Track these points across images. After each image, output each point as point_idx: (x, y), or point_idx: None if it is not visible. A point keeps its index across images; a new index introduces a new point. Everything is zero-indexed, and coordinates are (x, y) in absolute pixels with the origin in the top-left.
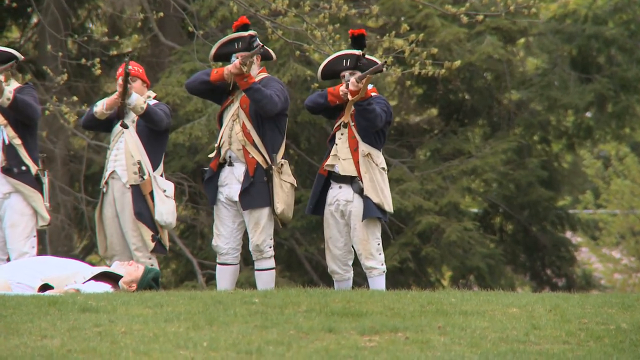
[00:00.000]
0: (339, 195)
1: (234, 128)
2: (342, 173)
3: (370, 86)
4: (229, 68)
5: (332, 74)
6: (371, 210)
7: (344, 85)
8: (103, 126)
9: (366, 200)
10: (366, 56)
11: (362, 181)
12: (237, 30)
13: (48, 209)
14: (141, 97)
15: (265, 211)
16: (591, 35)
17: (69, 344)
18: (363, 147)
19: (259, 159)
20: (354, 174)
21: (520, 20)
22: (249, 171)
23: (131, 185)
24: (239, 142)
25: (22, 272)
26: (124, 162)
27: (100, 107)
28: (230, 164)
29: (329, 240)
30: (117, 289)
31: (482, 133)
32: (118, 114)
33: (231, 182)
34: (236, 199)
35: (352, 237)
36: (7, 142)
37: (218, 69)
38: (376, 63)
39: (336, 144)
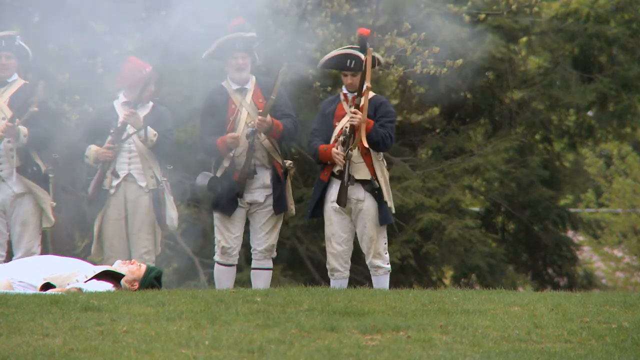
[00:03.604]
0: (349, 194)
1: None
2: (357, 177)
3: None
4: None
5: (334, 67)
6: (388, 217)
7: (336, 146)
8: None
9: (384, 205)
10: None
11: (377, 182)
12: (235, 31)
13: (53, 207)
14: (152, 130)
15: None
16: (593, 34)
17: (70, 343)
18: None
19: (280, 162)
20: (368, 176)
21: (522, 18)
22: (278, 175)
23: (150, 190)
24: (264, 149)
25: (24, 271)
26: (140, 165)
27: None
28: (252, 176)
29: (331, 237)
30: (119, 287)
31: (484, 132)
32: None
33: (253, 186)
34: (261, 200)
35: (360, 234)
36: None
37: (222, 141)
38: (370, 63)
39: None
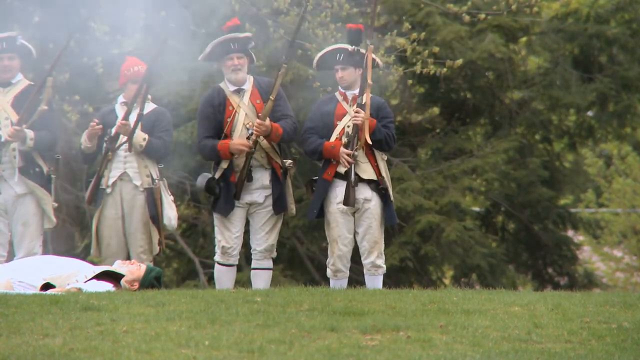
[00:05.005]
0: (356, 193)
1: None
2: (363, 177)
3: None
4: (239, 147)
5: (326, 65)
6: (394, 217)
7: (343, 144)
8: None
9: (390, 205)
10: (361, 51)
11: (383, 183)
12: (230, 32)
13: (54, 207)
14: (141, 133)
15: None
16: (593, 34)
17: (70, 343)
18: (375, 150)
19: (280, 162)
20: (374, 176)
21: (522, 18)
22: (277, 175)
23: (145, 189)
24: (263, 150)
25: (24, 271)
26: (135, 164)
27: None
28: (250, 179)
29: (337, 239)
30: (119, 288)
31: (484, 132)
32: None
33: (253, 187)
34: (261, 201)
35: (363, 234)
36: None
37: (223, 146)
38: (370, 60)
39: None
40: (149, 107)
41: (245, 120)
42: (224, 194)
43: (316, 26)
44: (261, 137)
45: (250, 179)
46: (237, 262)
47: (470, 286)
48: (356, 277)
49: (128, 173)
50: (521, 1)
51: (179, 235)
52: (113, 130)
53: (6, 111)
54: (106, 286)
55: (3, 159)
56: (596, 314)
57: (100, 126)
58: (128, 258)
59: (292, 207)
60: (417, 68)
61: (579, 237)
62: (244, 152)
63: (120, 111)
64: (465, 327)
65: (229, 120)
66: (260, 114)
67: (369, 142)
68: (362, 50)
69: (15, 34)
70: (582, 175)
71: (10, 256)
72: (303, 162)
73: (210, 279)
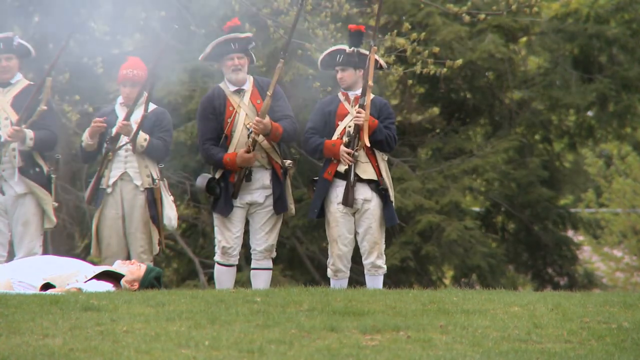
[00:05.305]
0: (356, 194)
1: (256, 137)
2: (363, 177)
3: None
4: (249, 159)
5: (329, 65)
6: (394, 218)
7: (343, 143)
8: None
9: (390, 206)
10: (360, 52)
11: (382, 183)
12: (230, 32)
13: (54, 207)
14: (142, 134)
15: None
16: (593, 34)
17: (70, 343)
18: (376, 150)
19: (280, 162)
20: (374, 176)
21: (522, 18)
22: (278, 175)
23: (145, 189)
24: (263, 150)
25: (24, 271)
26: (135, 164)
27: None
28: (249, 179)
29: (337, 238)
30: (119, 288)
31: (484, 132)
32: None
33: (253, 187)
34: (261, 201)
35: (363, 234)
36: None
37: (231, 161)
38: (373, 61)
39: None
40: (149, 107)
41: (245, 121)
42: (224, 194)
43: (316, 26)
44: (261, 136)
45: (249, 179)
46: (237, 262)
47: (470, 286)
48: (356, 277)
49: (129, 173)
50: (521, 1)
51: (179, 235)
52: (114, 131)
53: (6, 111)
54: (106, 286)
55: (3, 159)
56: (596, 314)
57: (105, 124)
58: (128, 258)
59: (292, 207)
60: (417, 68)
61: (579, 237)
62: (252, 162)
63: (120, 111)
64: (465, 327)
65: (229, 120)
66: (259, 112)
67: (367, 144)
68: (362, 51)
69: (12, 34)
70: (582, 175)
71: (10, 256)
72: (303, 162)
73: (210, 279)
